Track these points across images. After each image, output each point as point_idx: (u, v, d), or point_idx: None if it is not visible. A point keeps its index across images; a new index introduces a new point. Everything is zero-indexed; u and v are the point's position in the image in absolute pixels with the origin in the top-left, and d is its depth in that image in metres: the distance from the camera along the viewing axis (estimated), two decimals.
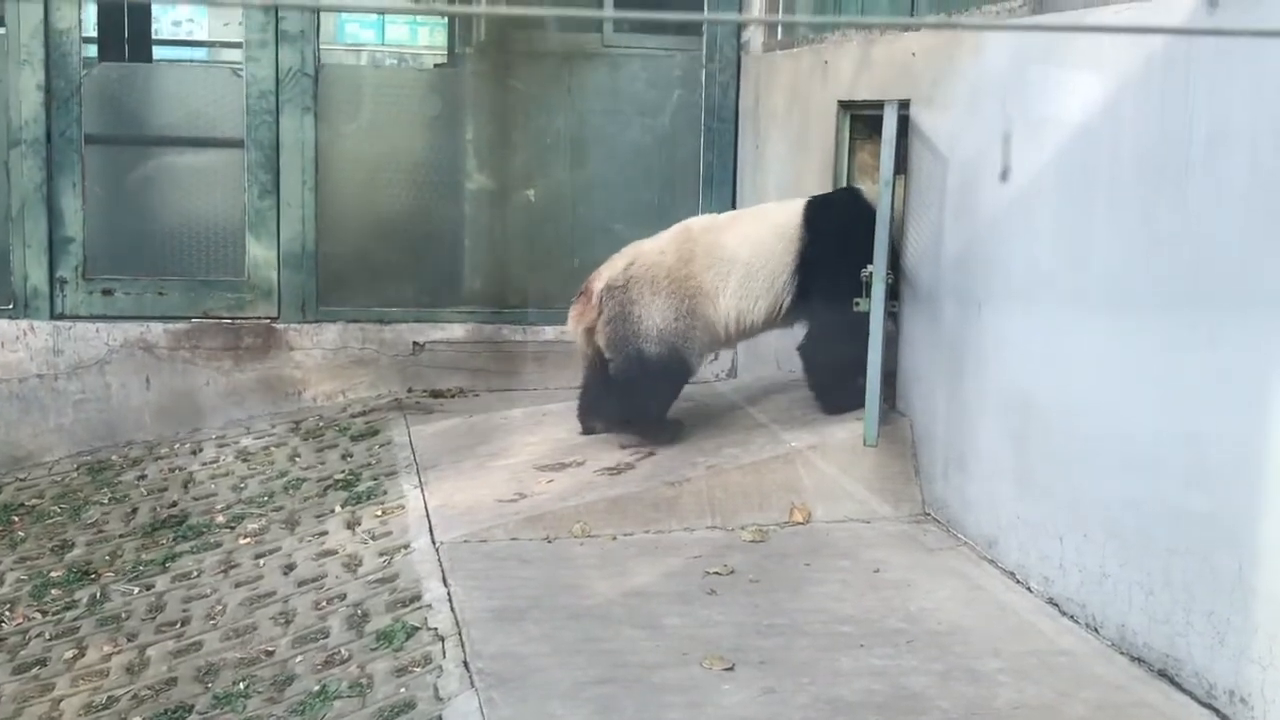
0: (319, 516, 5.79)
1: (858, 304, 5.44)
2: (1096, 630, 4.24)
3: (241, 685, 4.36)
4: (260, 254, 7.61)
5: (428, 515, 5.42)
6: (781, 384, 6.56)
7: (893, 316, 5.53)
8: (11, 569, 5.87)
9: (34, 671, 4.90)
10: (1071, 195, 4.39)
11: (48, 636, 5.16)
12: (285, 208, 7.59)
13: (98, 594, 5.43)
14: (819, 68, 6.59)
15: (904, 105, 5.43)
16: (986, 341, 4.96)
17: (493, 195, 7.84)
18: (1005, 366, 4.85)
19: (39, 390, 7.40)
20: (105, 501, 6.53)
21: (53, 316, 7.46)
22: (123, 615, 5.20)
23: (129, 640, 4.97)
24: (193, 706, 4.32)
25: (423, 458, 6.23)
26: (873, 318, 5.35)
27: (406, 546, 5.15)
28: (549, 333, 7.73)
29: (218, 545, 5.71)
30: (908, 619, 4.41)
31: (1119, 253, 4.15)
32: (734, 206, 7.81)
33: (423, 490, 5.75)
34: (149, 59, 9.26)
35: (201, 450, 7.06)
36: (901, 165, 5.50)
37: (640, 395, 5.92)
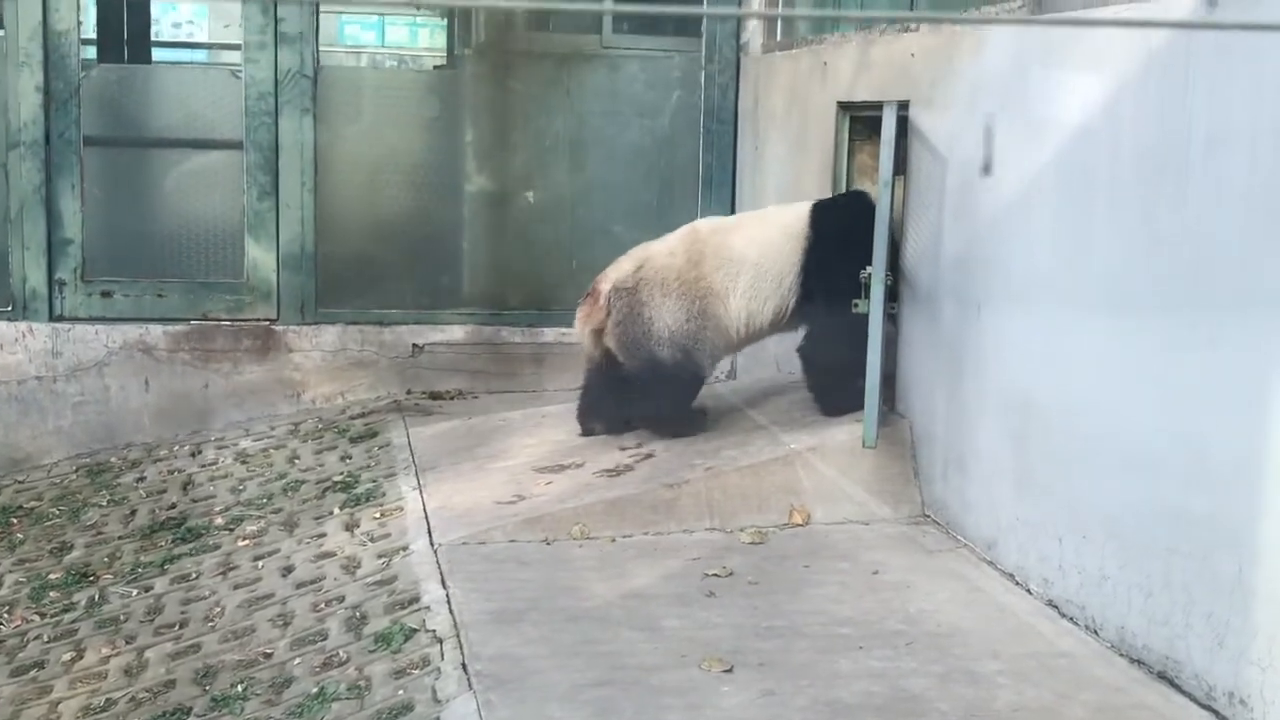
0: (318, 518, 5.78)
1: (856, 305, 5.44)
2: (1096, 632, 4.23)
3: (240, 687, 4.36)
4: (259, 256, 7.60)
5: (426, 517, 5.41)
6: (781, 386, 6.56)
7: (892, 318, 5.52)
8: (10, 571, 5.86)
9: (32, 674, 4.90)
10: (1071, 195, 4.39)
11: (46, 638, 5.15)
12: (284, 209, 7.58)
13: (96, 596, 5.42)
14: (818, 69, 6.58)
15: (903, 106, 5.43)
16: (986, 342, 4.96)
17: (492, 197, 7.84)
18: (1005, 367, 4.84)
19: (38, 392, 7.40)
20: (104, 503, 6.53)
21: (51, 318, 7.46)
22: (121, 617, 5.19)
23: (127, 642, 4.96)
24: (191, 709, 4.32)
25: (421, 459, 6.22)
26: (871, 319, 5.34)
27: (405, 548, 5.15)
28: (548, 334, 7.73)
29: (216, 547, 5.70)
30: (907, 621, 4.40)
31: (1119, 253, 4.14)
32: (733, 208, 7.81)
33: (421, 492, 5.74)
34: (148, 61, 9.26)
35: (200, 452, 7.05)
36: (901, 166, 5.50)
37: (659, 398, 5.98)
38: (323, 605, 4.85)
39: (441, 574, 4.82)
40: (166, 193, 7.70)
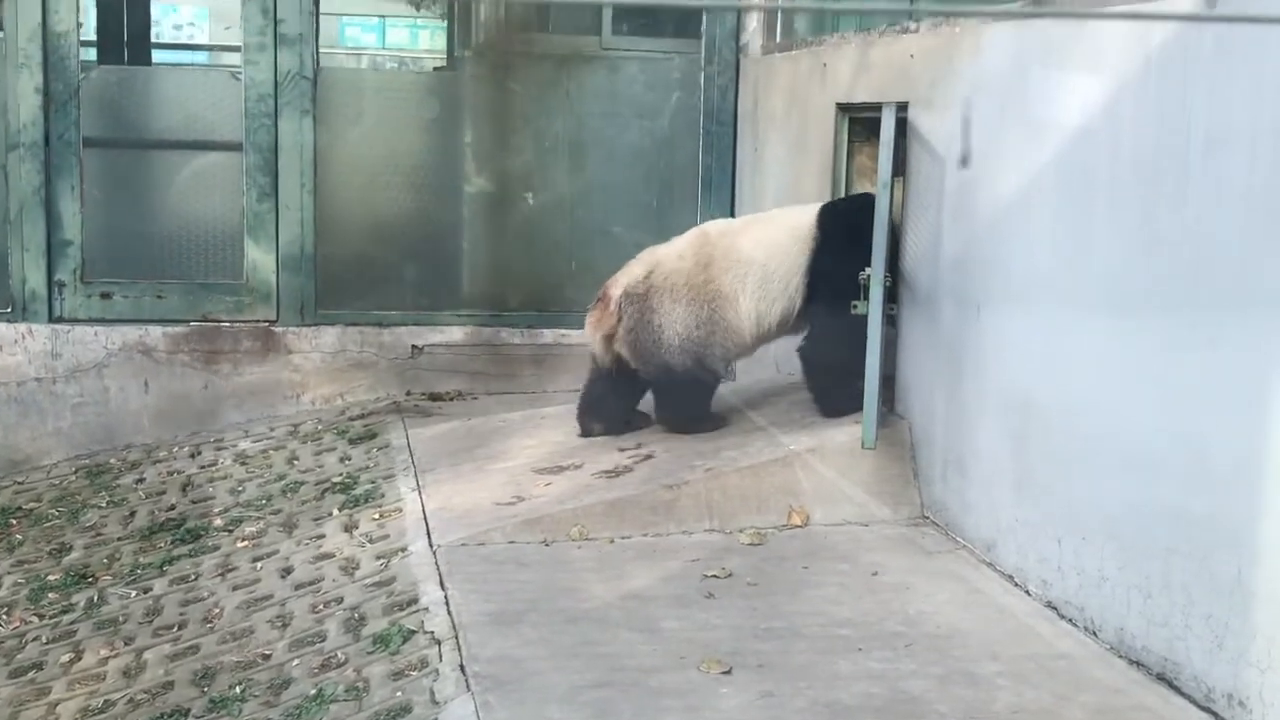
0: (317, 519, 5.77)
1: (855, 306, 5.43)
2: (1095, 633, 4.22)
3: (238, 689, 4.35)
4: (259, 257, 7.60)
5: (425, 518, 5.41)
6: (780, 387, 6.55)
7: (891, 319, 5.52)
8: (9, 572, 5.86)
9: (30, 675, 4.89)
10: (1071, 195, 4.38)
11: (45, 640, 5.15)
12: (284, 211, 7.58)
13: (95, 597, 5.42)
14: (817, 70, 6.58)
15: (902, 107, 5.43)
16: (985, 343, 4.95)
17: (491, 198, 7.83)
18: (1004, 368, 4.83)
19: (37, 394, 7.39)
20: (103, 505, 6.53)
21: (51, 320, 7.45)
22: (120, 618, 5.18)
23: (126, 644, 4.96)
24: (189, 710, 4.31)
25: (421, 461, 6.22)
26: (870, 320, 5.34)
27: (404, 550, 5.14)
28: (547, 336, 7.73)
29: (215, 548, 5.69)
30: (906, 622, 4.40)
31: (1118, 253, 4.14)
32: (732, 209, 7.81)
33: (420, 493, 5.74)
34: (148, 62, 9.26)
35: (200, 453, 7.05)
36: (900, 167, 5.49)
37: (675, 404, 6.03)
38: (321, 606, 4.85)
39: (440, 575, 4.82)
40: (166, 194, 7.70)
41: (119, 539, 6.04)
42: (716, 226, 6.25)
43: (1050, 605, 4.48)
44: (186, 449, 7.15)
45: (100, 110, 7.54)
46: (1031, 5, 5.00)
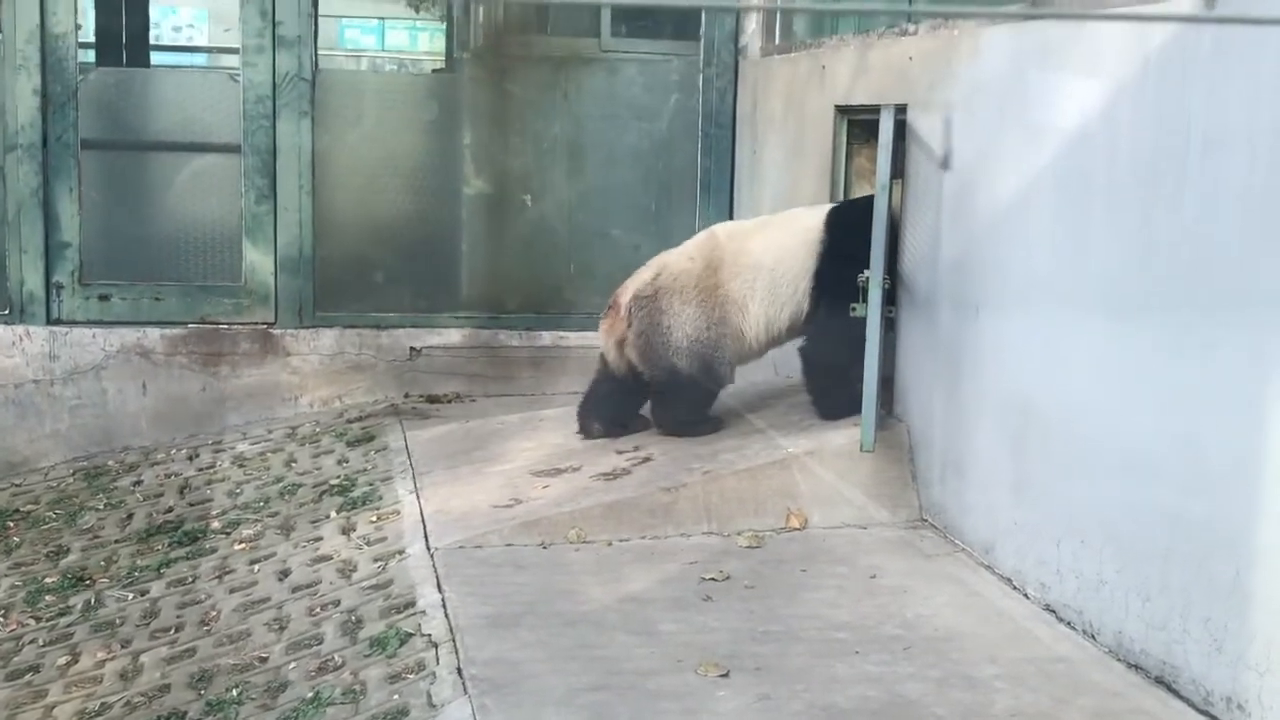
0: (314, 522, 5.77)
1: (854, 309, 5.42)
2: (1093, 637, 4.21)
3: (235, 692, 4.34)
4: (257, 259, 7.59)
5: (423, 521, 5.40)
6: (779, 389, 6.55)
7: (890, 321, 5.50)
8: (6, 574, 5.85)
9: (27, 678, 4.88)
10: (1069, 197, 4.38)
11: (41, 642, 5.14)
12: (282, 213, 7.57)
13: (92, 600, 5.41)
14: (816, 72, 6.58)
15: (901, 109, 5.42)
16: (984, 346, 4.95)
17: (490, 200, 7.83)
18: (1002, 371, 4.83)
19: (35, 396, 7.39)
20: (101, 507, 6.52)
21: (49, 322, 7.45)
22: (117, 621, 5.18)
23: (123, 646, 4.95)
24: (186, 713, 4.31)
25: (418, 463, 6.21)
26: (869, 322, 5.33)
27: (401, 552, 5.14)
28: (546, 338, 7.73)
29: (213, 551, 5.69)
30: (904, 625, 4.39)
31: (1116, 255, 4.13)
32: (731, 212, 7.81)
33: (418, 496, 5.73)
34: (146, 64, 9.26)
35: (198, 456, 7.04)
36: (899, 170, 5.49)
37: (675, 407, 6.00)
38: (318, 609, 4.84)
39: (437, 578, 4.81)
40: (164, 196, 7.70)
41: (116, 541, 6.03)
42: (725, 229, 6.23)
43: (1049, 608, 4.47)
44: (184, 451, 7.14)
45: (98, 112, 7.53)
46: (1030, 6, 4.99)
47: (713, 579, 4.80)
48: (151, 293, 7.57)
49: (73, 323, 7.48)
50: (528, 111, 7.81)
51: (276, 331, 7.60)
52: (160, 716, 4.32)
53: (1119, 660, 4.07)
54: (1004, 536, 4.78)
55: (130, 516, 6.32)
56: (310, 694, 4.18)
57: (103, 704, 4.53)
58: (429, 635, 4.35)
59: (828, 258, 5.80)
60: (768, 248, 5.91)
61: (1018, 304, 4.73)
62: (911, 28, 5.67)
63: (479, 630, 4.33)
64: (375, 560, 5.14)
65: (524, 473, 5.82)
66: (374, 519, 5.60)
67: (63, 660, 4.94)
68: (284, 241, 7.59)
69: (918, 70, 5.48)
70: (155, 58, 10.23)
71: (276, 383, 7.57)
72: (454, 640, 4.26)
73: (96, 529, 6.24)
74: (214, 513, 6.14)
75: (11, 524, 6.49)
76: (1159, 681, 3.89)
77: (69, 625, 5.23)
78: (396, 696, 4.03)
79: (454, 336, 7.72)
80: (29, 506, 6.73)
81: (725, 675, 3.99)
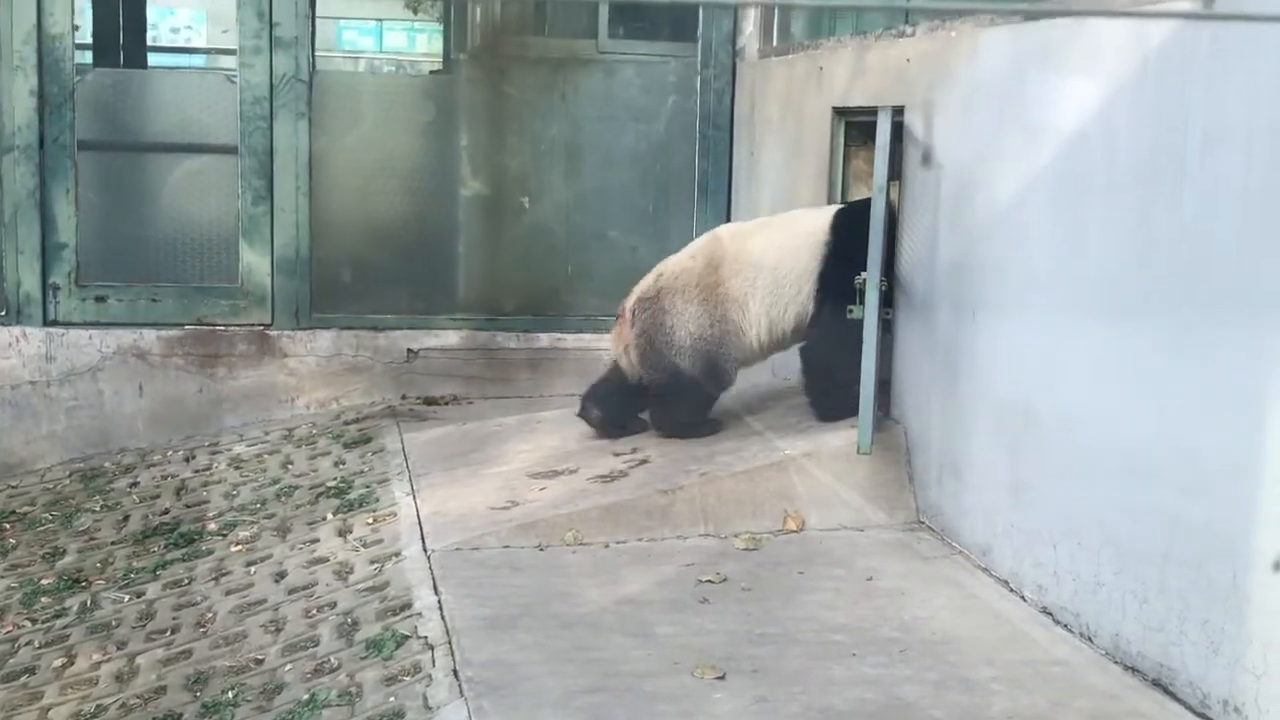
0: (311, 524, 5.76)
1: (851, 311, 5.41)
2: (1090, 639, 4.21)
3: (230, 694, 4.33)
4: (254, 260, 7.58)
5: (420, 523, 5.39)
6: (777, 391, 6.54)
7: (887, 323, 5.50)
8: (2, 576, 5.84)
9: (23, 680, 4.87)
10: (1068, 198, 4.37)
11: (37, 644, 5.13)
12: (279, 214, 7.56)
13: (88, 601, 5.40)
14: (813, 74, 6.57)
15: (898, 111, 5.41)
16: (981, 347, 4.94)
17: (487, 202, 7.82)
18: (1000, 372, 4.82)
19: (31, 397, 7.37)
20: (97, 509, 6.51)
21: (45, 323, 7.44)
22: (113, 623, 5.17)
23: (119, 648, 4.94)
24: (181, 715, 4.30)
25: (415, 465, 6.20)
26: (866, 324, 5.33)
27: (398, 554, 5.13)
28: (543, 340, 7.72)
29: (209, 553, 5.68)
30: (901, 628, 4.38)
31: (1115, 255, 4.13)
32: (728, 214, 7.80)
33: (415, 498, 5.72)
34: (144, 65, 9.26)
35: (194, 457, 7.03)
36: (897, 171, 5.48)
37: (674, 409, 5.99)
38: (315, 611, 4.83)
39: (434, 580, 4.80)
40: (161, 197, 7.68)
41: (112, 543, 6.02)
42: (728, 230, 6.22)
43: (1046, 611, 4.46)
44: (181, 453, 7.13)
45: (95, 113, 7.52)
46: (1029, 4, 4.99)
47: (710, 581, 4.79)
48: (148, 294, 7.55)
49: (69, 324, 7.47)
50: (525, 113, 7.80)
51: (273, 333, 7.59)
52: (156, 718, 4.31)
53: (1116, 662, 4.06)
54: (1001, 538, 4.77)
55: (126, 518, 6.30)
56: (306, 696, 4.17)
57: (98, 706, 4.52)
58: (425, 637, 4.34)
59: (832, 260, 5.77)
60: (770, 248, 5.90)
61: (1016, 305, 4.73)
62: (909, 29, 5.67)
63: (475, 632, 4.32)
64: (372, 562, 5.13)
65: (521, 475, 5.81)
66: (370, 521, 5.59)
67: (58, 662, 4.93)
68: (281, 243, 7.58)
69: (916, 71, 5.47)
70: (152, 59, 10.23)
71: (273, 384, 7.56)
72: (450, 642, 4.26)
73: (93, 530, 6.23)
74: (210, 514, 6.13)
75: (8, 525, 6.48)
76: (1156, 684, 3.88)
77: (65, 627, 5.22)
78: (392, 699, 4.02)
79: (451, 338, 7.71)
80: (25, 508, 6.72)
81: (722, 677, 3.98)
